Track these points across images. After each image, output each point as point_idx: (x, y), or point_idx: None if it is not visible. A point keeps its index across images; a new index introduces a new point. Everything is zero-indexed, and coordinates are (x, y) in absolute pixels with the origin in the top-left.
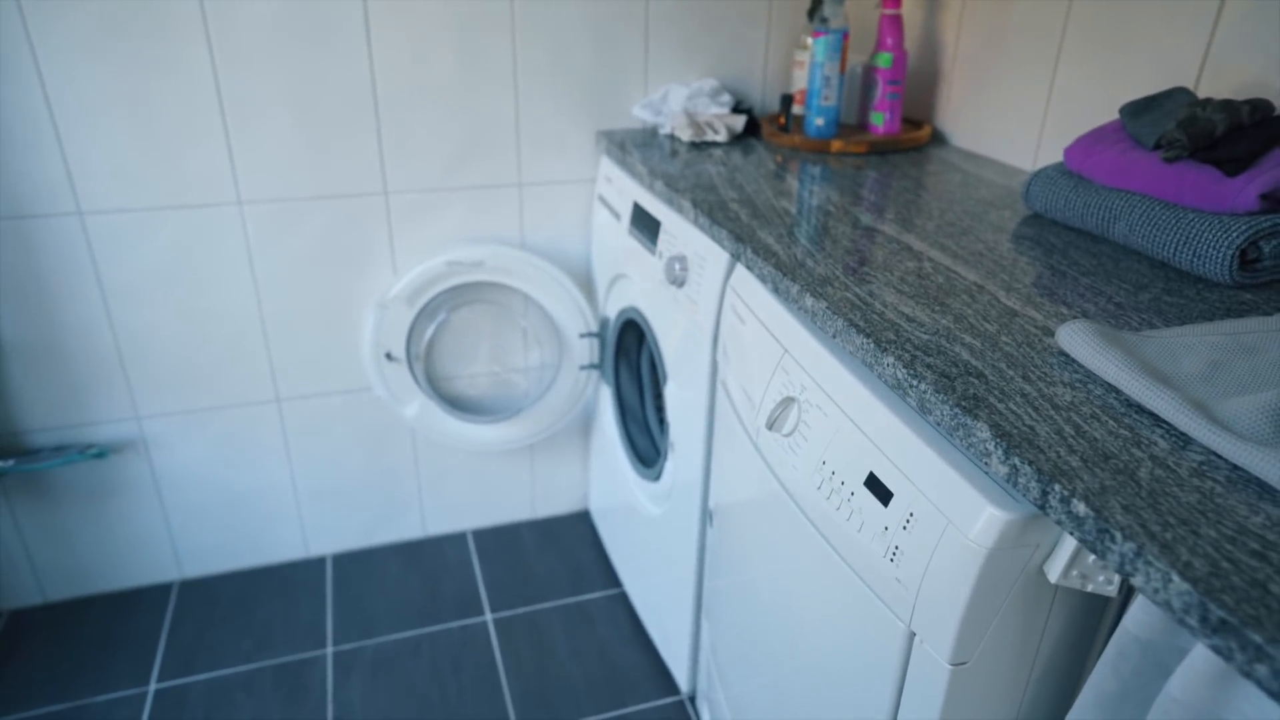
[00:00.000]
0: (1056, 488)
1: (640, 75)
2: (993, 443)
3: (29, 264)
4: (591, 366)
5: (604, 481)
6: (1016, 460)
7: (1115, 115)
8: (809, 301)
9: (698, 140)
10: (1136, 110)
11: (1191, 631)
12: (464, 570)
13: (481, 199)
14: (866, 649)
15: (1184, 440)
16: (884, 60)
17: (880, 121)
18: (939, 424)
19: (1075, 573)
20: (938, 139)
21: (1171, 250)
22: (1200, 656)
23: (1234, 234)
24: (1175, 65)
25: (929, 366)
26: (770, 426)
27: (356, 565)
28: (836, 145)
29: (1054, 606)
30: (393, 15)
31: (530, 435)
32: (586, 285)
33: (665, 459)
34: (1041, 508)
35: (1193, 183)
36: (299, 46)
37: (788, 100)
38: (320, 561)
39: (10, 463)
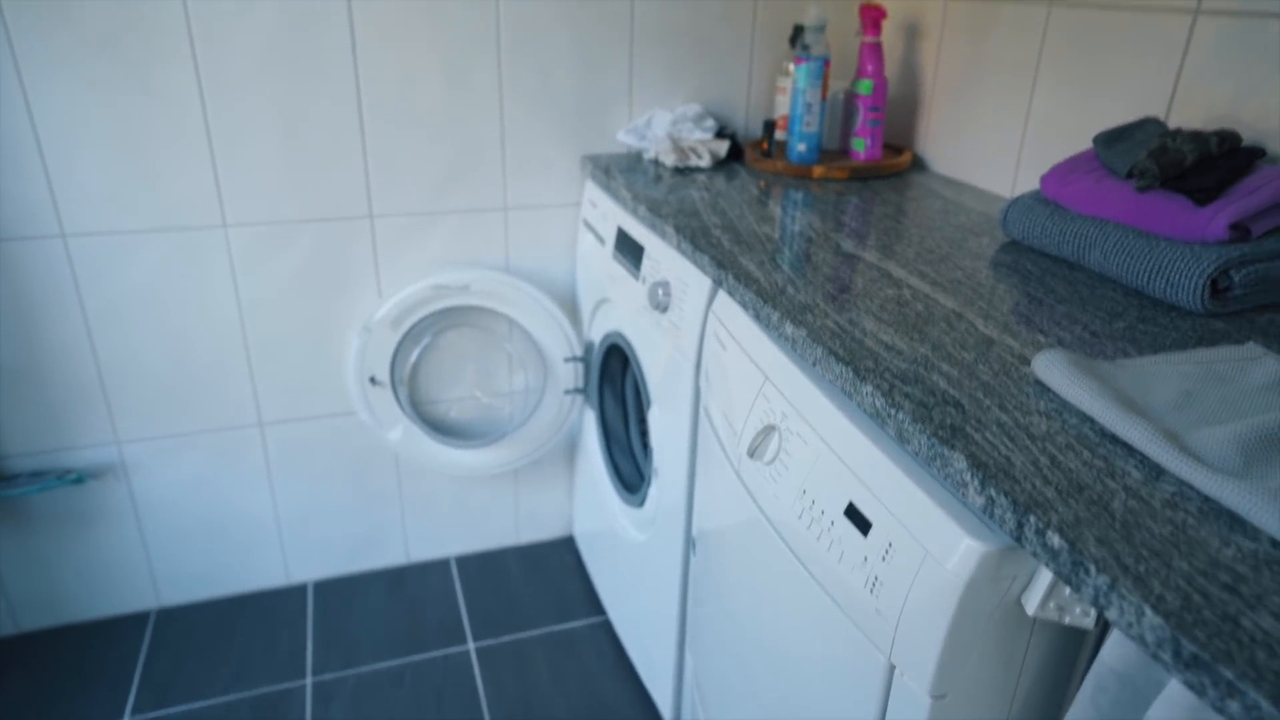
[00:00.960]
0: (1032, 519)
1: (625, 100)
2: (969, 473)
3: (10, 286)
4: (576, 391)
5: (588, 507)
6: (993, 491)
7: (1090, 143)
8: (789, 329)
9: (681, 165)
10: (1109, 140)
11: (1165, 666)
12: (447, 598)
13: (467, 223)
14: (848, 681)
15: (1157, 471)
16: (865, 87)
17: (861, 147)
18: (917, 454)
19: (1052, 605)
20: (918, 165)
21: (1145, 279)
22: (1177, 689)
23: (1205, 263)
24: (1146, 96)
25: (907, 395)
26: (752, 454)
27: (338, 592)
28: (818, 171)
29: (1032, 639)
30: (380, 39)
31: (515, 460)
32: (571, 309)
33: (649, 485)
34: (1018, 539)
35: (1164, 212)
36: (286, 69)
37: (770, 126)
38: (301, 589)
39: None
